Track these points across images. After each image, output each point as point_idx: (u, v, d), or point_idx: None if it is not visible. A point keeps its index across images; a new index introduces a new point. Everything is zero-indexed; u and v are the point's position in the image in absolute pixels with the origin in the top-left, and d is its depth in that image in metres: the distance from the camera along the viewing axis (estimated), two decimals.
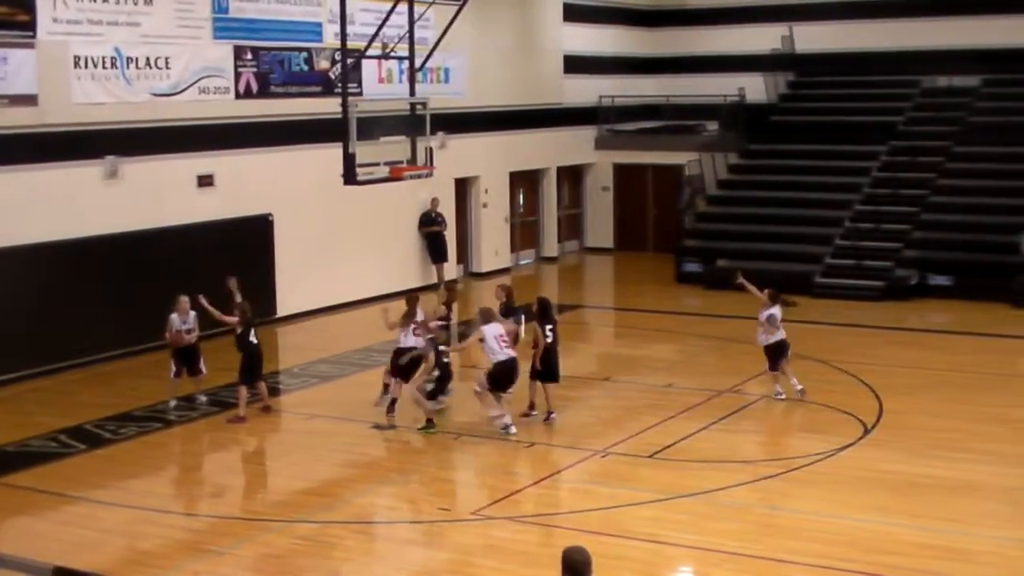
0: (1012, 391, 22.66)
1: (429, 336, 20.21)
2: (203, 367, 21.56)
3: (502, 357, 19.37)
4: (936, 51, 37.30)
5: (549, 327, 20.28)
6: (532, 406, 20.42)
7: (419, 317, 20.47)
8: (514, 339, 20.10)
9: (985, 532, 15.49)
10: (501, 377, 19.49)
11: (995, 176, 33.54)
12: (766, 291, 21.77)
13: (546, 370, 20.30)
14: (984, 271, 30.48)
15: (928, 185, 33.96)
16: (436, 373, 20.77)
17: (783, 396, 21.44)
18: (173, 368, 21.28)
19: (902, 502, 16.54)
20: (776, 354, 21.42)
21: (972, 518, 15.97)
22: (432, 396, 20.61)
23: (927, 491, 17.02)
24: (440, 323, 21.21)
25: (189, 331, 21.13)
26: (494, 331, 19.49)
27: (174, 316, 21.07)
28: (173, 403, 21.25)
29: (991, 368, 24.16)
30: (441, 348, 20.65)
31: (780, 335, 21.38)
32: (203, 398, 21.64)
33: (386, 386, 20.70)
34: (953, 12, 37.18)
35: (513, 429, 19.45)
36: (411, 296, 21.11)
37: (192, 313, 21.15)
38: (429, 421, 19.77)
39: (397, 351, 20.32)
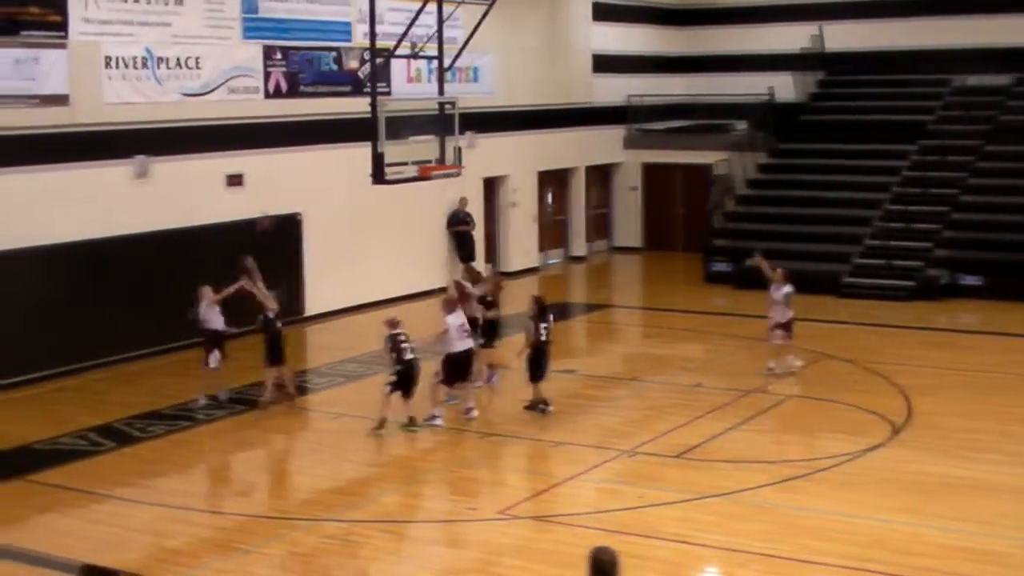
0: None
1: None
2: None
3: (458, 348, 19.81)
4: (967, 49, 37.11)
5: (544, 326, 20.43)
6: (545, 402, 20.53)
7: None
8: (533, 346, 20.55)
9: (1013, 534, 15.41)
10: (454, 368, 19.87)
11: None
12: (779, 270, 22.83)
13: (536, 368, 20.60)
14: (1016, 271, 30.32)
15: (959, 184, 33.81)
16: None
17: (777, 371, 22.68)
18: (209, 357, 21.33)
19: (930, 503, 16.48)
20: (789, 330, 22.62)
21: (1000, 520, 15.89)
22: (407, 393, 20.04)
23: (955, 492, 16.95)
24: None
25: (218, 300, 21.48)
26: (456, 321, 19.90)
27: (203, 306, 21.29)
28: (203, 400, 21.33)
29: (1022, 368, 24.04)
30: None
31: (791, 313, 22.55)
32: (224, 395, 21.71)
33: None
34: (984, 10, 36.99)
35: (440, 421, 19.92)
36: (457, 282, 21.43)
37: (216, 308, 21.37)
38: (411, 419, 19.84)
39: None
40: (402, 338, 19.73)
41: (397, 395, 19.61)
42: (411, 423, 19.75)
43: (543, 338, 20.36)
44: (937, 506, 16.37)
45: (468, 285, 21.54)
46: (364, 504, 16.84)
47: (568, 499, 17.02)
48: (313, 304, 28.24)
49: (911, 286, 30.64)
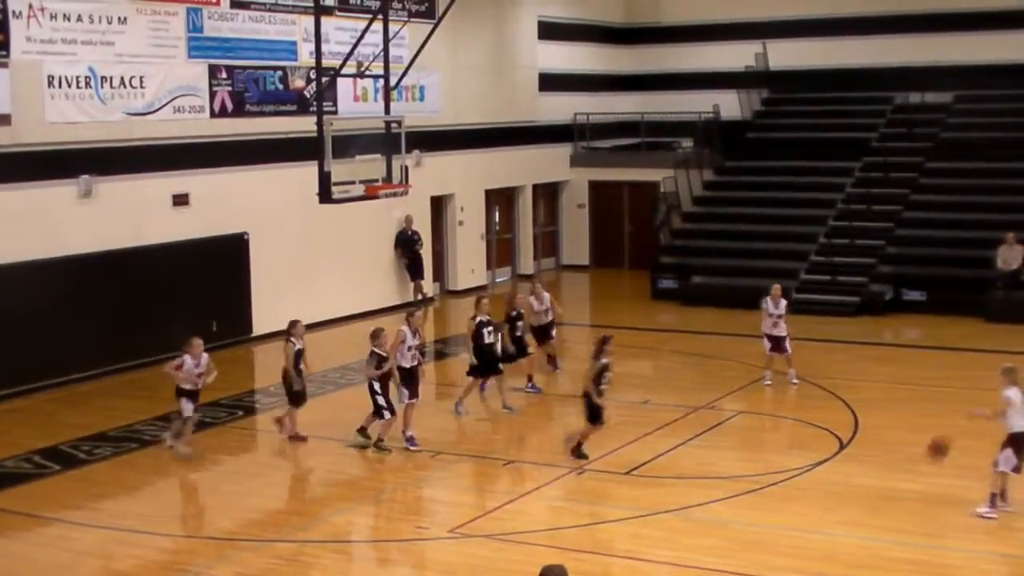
0: (986, 405, 22.60)
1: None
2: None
3: (404, 365, 19.82)
4: (909, 68, 37.45)
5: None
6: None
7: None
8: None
9: (960, 546, 15.50)
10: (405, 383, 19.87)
11: (968, 192, 33.66)
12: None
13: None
14: (958, 286, 30.56)
15: (901, 201, 34.05)
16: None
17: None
18: (185, 408, 19.65)
19: (878, 517, 16.53)
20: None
21: (947, 532, 15.98)
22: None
23: (903, 505, 17.01)
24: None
25: (200, 375, 19.80)
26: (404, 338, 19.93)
27: (187, 358, 19.67)
28: (186, 451, 19.80)
29: (965, 383, 24.15)
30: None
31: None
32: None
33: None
34: (926, 29, 37.34)
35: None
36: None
37: (205, 356, 19.95)
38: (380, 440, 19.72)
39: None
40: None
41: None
42: (378, 444, 19.64)
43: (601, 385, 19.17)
44: (886, 519, 16.42)
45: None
46: (314, 524, 16.70)
47: (520, 517, 16.92)
48: (261, 324, 28.02)
49: (856, 301, 30.80)
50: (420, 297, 32.57)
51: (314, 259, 29.44)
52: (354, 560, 15.99)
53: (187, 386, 19.64)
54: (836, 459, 19.04)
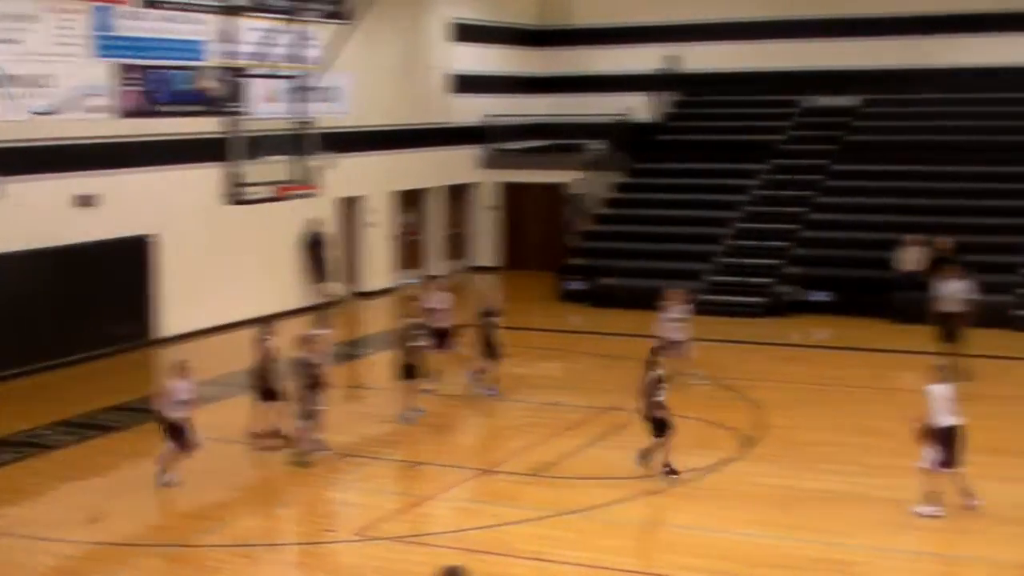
0: (891, 404, 22.89)
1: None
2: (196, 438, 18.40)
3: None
4: (816, 72, 37.79)
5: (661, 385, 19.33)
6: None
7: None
8: None
9: (867, 543, 15.65)
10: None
11: (872, 194, 34.04)
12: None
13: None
14: (863, 287, 30.86)
15: (808, 203, 34.36)
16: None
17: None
18: (172, 443, 18.13)
19: (785, 515, 16.65)
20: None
21: (851, 529, 16.13)
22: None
23: (809, 504, 17.15)
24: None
25: (186, 402, 18.22)
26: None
27: (173, 383, 18.18)
28: (168, 478, 18.15)
29: (871, 382, 24.46)
30: None
31: None
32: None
33: None
34: (833, 34, 37.70)
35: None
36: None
37: (189, 381, 18.38)
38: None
39: None
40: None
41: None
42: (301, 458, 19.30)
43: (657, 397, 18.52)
44: (793, 518, 16.54)
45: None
46: (220, 528, 16.55)
47: (426, 519, 16.92)
48: (167, 326, 27.75)
49: (763, 302, 31.03)
50: (327, 299, 32.39)
51: (223, 261, 29.15)
52: (259, 564, 15.83)
53: (173, 415, 18.02)
54: (744, 459, 19.16)
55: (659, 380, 18.34)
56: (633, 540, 15.82)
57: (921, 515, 16.52)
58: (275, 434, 19.91)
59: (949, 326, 24.33)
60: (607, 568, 14.89)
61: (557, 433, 20.52)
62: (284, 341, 20.31)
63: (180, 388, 18.08)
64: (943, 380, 17.02)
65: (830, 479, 18.20)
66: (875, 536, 15.90)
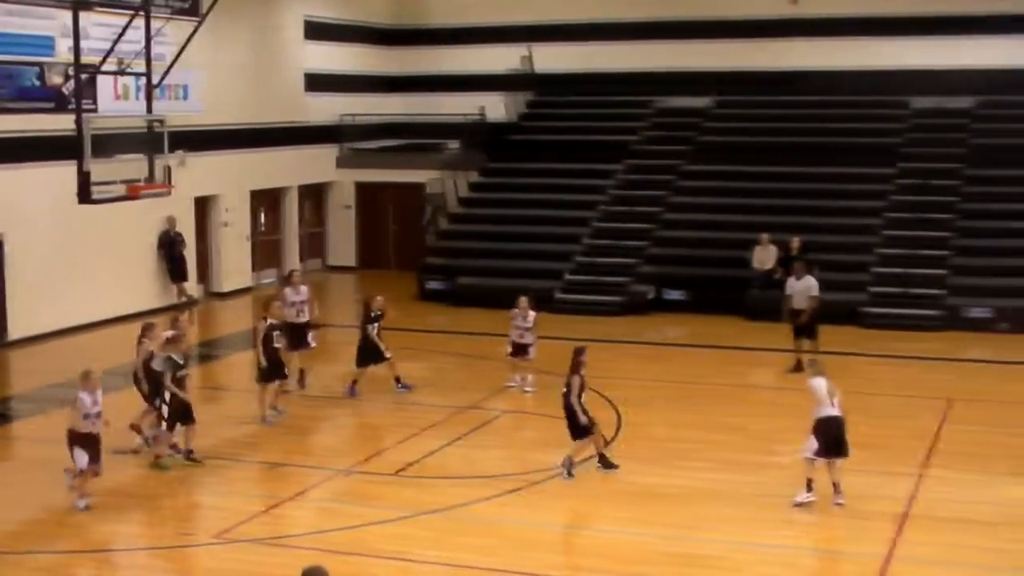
0: (746, 401, 23.38)
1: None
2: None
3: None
4: (669, 73, 38.26)
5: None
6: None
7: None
8: None
9: (723, 538, 15.93)
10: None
11: (725, 194, 34.58)
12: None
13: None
14: (716, 285, 31.33)
15: (662, 202, 34.78)
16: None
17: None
18: (80, 460, 17.05)
19: (643, 511, 16.87)
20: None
21: (707, 524, 16.41)
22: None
23: (665, 500, 17.40)
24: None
25: (98, 415, 17.38)
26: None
27: (82, 395, 17.31)
28: (83, 504, 17.15)
29: (726, 379, 24.84)
30: None
31: None
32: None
33: None
34: (686, 36, 38.18)
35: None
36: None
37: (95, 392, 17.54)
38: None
39: None
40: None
41: None
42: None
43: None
44: (649, 514, 16.76)
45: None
46: (76, 534, 16.33)
47: (286, 520, 16.83)
48: (17, 328, 27.26)
49: (619, 301, 31.35)
50: (184, 299, 32.09)
51: (75, 261, 28.71)
52: (118, 569, 15.72)
53: (83, 430, 17.18)
54: (599, 457, 19.33)
55: (582, 384, 18.60)
56: (493, 539, 15.88)
57: (800, 504, 16.95)
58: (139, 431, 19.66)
59: (800, 322, 24.91)
60: (469, 567, 14.95)
61: (418, 433, 20.55)
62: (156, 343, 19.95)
63: (87, 400, 17.27)
64: (819, 374, 17.54)
65: (687, 476, 18.46)
66: (732, 531, 16.19)
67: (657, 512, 16.91)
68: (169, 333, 19.57)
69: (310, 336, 23.43)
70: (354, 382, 23.13)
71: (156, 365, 19.10)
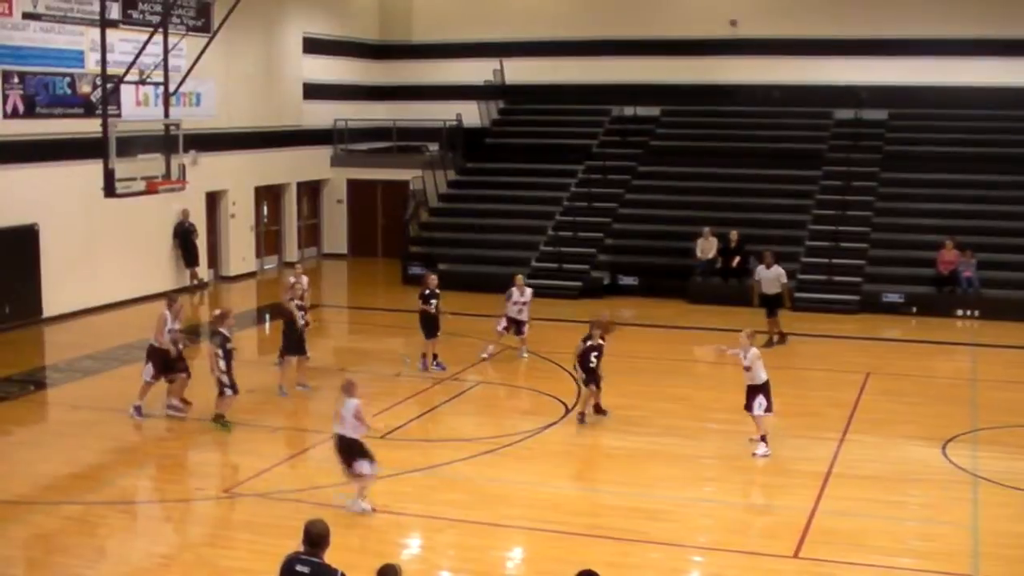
0: (688, 375, 23.60)
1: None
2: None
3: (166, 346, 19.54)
4: (623, 85, 38.27)
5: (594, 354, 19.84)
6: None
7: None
8: None
9: (666, 493, 16.09)
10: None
11: (673, 192, 34.65)
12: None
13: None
14: (665, 273, 31.48)
15: (617, 199, 34.85)
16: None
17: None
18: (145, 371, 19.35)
19: (599, 471, 17.05)
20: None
21: (656, 482, 16.56)
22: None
23: (619, 461, 17.55)
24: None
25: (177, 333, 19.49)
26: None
27: (166, 313, 19.39)
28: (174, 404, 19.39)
29: (671, 355, 25.00)
30: None
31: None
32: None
33: None
34: (639, 52, 38.20)
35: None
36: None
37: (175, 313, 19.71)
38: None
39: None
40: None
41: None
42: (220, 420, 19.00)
43: (591, 364, 19.57)
44: (605, 473, 16.94)
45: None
46: (101, 487, 16.36)
47: (286, 477, 16.89)
48: (51, 306, 27.18)
49: (579, 286, 31.45)
50: (196, 282, 32.06)
51: (99, 248, 28.64)
52: (137, 519, 15.73)
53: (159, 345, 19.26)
54: (562, 423, 19.46)
55: (592, 348, 19.59)
56: (469, 494, 15.97)
57: (760, 455, 17.52)
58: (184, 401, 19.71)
59: (769, 305, 25.44)
60: (447, 519, 15.07)
61: (402, 400, 20.61)
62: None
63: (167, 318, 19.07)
64: (757, 345, 18.34)
65: (636, 439, 18.60)
66: (675, 487, 16.35)
67: (610, 471, 17.08)
68: (217, 311, 19.57)
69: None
70: (424, 356, 23.05)
71: (211, 341, 19.13)
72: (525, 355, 24.00)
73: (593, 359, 19.58)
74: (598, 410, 19.74)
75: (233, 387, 18.90)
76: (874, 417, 19.98)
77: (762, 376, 17.91)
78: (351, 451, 15.16)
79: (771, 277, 25.42)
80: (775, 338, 25.32)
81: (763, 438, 17.71)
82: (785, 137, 36.08)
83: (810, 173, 34.35)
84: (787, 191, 34.16)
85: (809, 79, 36.81)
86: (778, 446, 17.97)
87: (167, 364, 19.50)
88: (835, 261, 30.71)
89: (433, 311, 22.94)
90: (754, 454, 17.59)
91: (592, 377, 19.52)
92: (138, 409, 19.36)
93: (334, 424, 15.43)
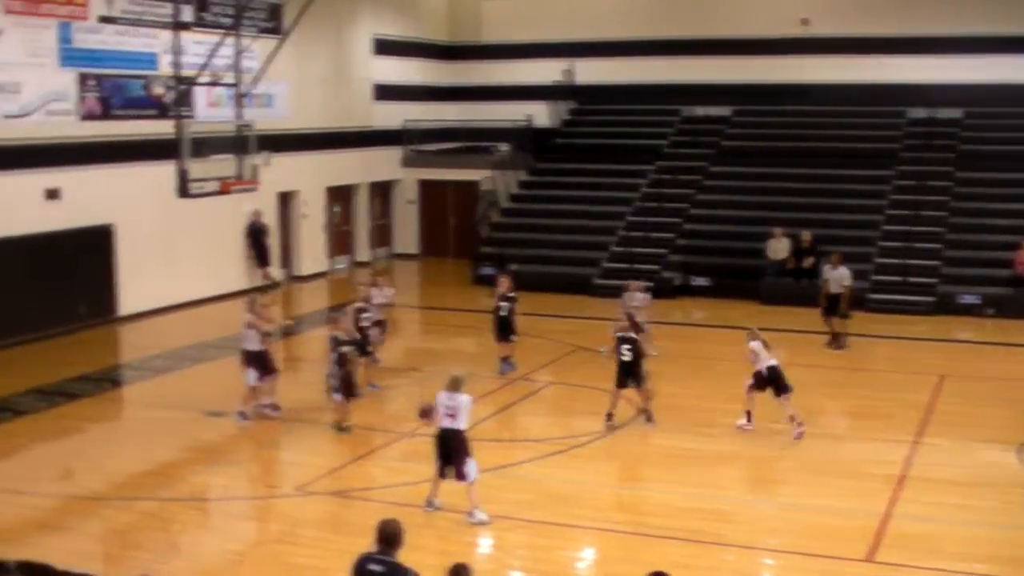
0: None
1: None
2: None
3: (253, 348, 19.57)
4: (693, 85, 38.11)
5: (626, 347, 19.59)
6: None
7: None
8: None
9: (741, 496, 16.02)
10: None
11: (744, 192, 34.43)
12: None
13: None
14: (737, 273, 31.28)
15: (688, 200, 34.70)
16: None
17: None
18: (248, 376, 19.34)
19: (669, 472, 16.94)
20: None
21: (725, 483, 16.48)
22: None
23: (690, 462, 17.44)
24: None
25: (266, 333, 19.62)
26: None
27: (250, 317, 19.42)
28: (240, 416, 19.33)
29: (743, 357, 24.70)
30: None
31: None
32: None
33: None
34: (709, 52, 38.00)
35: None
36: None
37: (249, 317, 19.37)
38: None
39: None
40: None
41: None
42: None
43: (624, 357, 19.40)
44: (676, 474, 16.82)
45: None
46: (174, 484, 16.54)
47: (359, 476, 16.98)
48: (126, 306, 27.54)
49: (651, 286, 31.25)
50: (268, 282, 32.31)
51: (174, 248, 28.97)
52: (211, 516, 15.87)
53: (251, 347, 19.33)
54: (634, 424, 19.38)
55: (621, 340, 19.46)
56: (539, 495, 15.95)
57: (743, 428, 18.66)
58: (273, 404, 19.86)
59: (834, 305, 25.28)
60: (515, 518, 15.06)
61: (473, 401, 20.56)
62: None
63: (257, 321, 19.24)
64: (756, 338, 19.26)
65: (705, 441, 18.50)
66: (746, 489, 16.28)
67: (681, 472, 16.95)
68: (334, 316, 19.63)
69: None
70: (503, 358, 22.97)
71: (331, 347, 18.79)
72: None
73: (626, 352, 19.31)
74: (645, 414, 19.46)
75: (341, 392, 18.59)
76: (949, 420, 19.73)
77: (764, 364, 18.83)
78: (463, 448, 15.06)
79: (836, 278, 25.27)
80: (832, 340, 25.09)
81: (750, 413, 18.80)
82: (858, 137, 35.74)
83: (883, 173, 34.01)
84: (860, 191, 33.83)
85: (882, 78, 36.46)
86: (851, 449, 17.82)
87: (266, 366, 19.63)
88: (909, 262, 30.38)
89: (504, 315, 22.86)
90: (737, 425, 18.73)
91: (629, 374, 19.25)
92: (243, 414, 19.40)
93: (441, 421, 15.29)
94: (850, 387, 22.05)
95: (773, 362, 18.78)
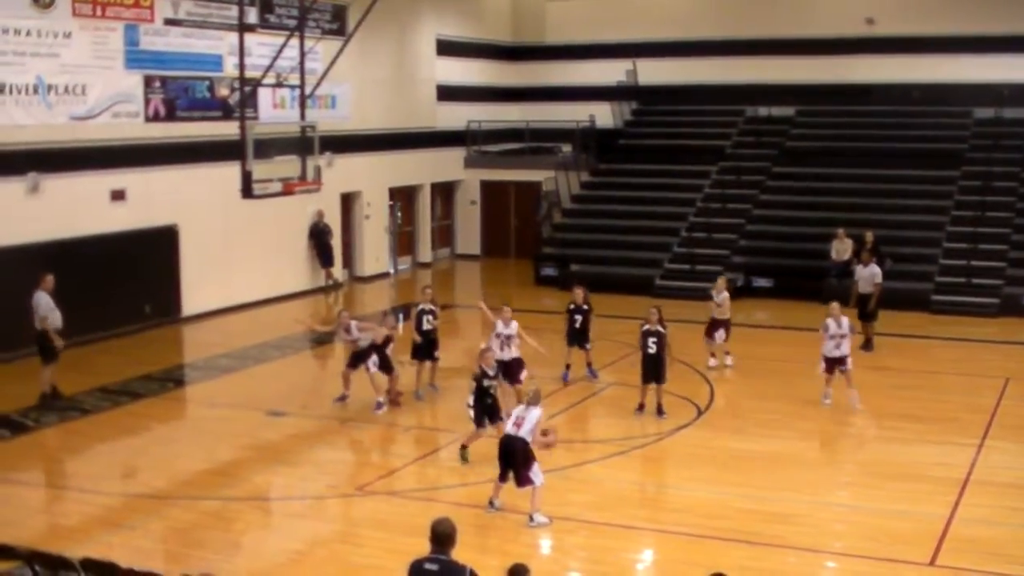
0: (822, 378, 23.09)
1: None
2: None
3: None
4: (757, 85, 37.87)
5: (652, 340, 19.90)
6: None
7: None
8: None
9: (799, 497, 15.85)
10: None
11: (807, 193, 34.17)
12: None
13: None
14: (799, 274, 31.02)
15: (751, 200, 34.50)
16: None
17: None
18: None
19: (730, 474, 16.81)
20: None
21: (789, 485, 16.31)
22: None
23: (751, 464, 17.31)
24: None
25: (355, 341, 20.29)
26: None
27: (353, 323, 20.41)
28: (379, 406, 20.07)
29: (805, 358, 24.52)
30: None
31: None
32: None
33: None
34: (773, 52, 37.70)
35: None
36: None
37: (354, 323, 20.34)
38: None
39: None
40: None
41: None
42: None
43: (649, 350, 19.74)
44: (736, 476, 16.69)
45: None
46: (237, 483, 16.64)
47: (417, 476, 17.02)
48: (190, 306, 27.78)
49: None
50: (331, 283, 32.47)
51: (237, 248, 29.17)
52: (272, 515, 15.95)
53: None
54: (695, 425, 19.31)
55: (647, 334, 19.84)
56: (600, 496, 15.91)
57: (826, 404, 20.02)
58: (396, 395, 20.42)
59: (864, 304, 24.97)
60: (576, 520, 15.02)
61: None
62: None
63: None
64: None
65: (767, 443, 18.38)
66: (807, 491, 16.10)
67: (742, 474, 16.83)
68: (482, 346, 19.51)
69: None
70: (567, 367, 22.67)
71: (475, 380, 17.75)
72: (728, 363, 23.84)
73: (652, 345, 19.38)
74: (658, 410, 19.77)
75: (477, 421, 17.53)
76: (1014, 423, 19.44)
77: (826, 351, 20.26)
78: (527, 456, 14.97)
79: (866, 276, 24.99)
80: (865, 343, 24.69)
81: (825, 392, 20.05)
82: (923, 137, 35.33)
83: (948, 173, 33.60)
84: (925, 192, 33.43)
85: (948, 77, 36.02)
86: (915, 451, 17.62)
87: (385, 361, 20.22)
88: (974, 263, 30.00)
89: (577, 326, 22.59)
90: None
91: (655, 367, 19.53)
92: (380, 405, 19.94)
93: (508, 427, 15.27)
94: (913, 389, 21.78)
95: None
